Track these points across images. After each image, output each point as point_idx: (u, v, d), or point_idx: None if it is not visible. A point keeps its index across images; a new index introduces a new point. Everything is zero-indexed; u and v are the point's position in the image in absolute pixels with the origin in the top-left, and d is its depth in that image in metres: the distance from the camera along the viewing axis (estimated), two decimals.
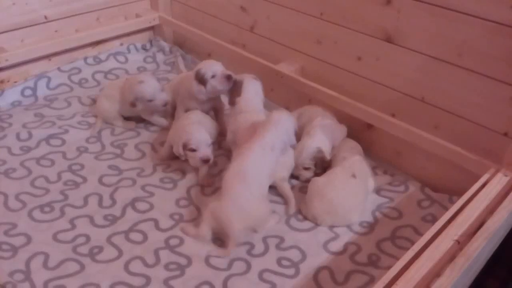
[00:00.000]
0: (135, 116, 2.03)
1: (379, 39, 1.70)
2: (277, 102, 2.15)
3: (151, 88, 1.88)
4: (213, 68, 1.81)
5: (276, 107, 2.12)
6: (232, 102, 1.80)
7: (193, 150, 1.63)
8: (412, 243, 1.43)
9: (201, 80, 1.81)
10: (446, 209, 1.55)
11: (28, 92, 2.21)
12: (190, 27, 2.39)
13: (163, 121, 2.03)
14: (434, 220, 1.54)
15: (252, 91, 1.77)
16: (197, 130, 1.65)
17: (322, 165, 1.71)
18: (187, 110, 1.91)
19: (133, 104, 1.90)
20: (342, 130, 1.85)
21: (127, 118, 2.05)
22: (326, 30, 1.85)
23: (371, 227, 1.57)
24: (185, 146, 1.65)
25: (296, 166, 1.72)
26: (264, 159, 1.51)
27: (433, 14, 1.53)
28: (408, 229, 1.56)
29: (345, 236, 1.53)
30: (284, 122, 1.60)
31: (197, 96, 1.84)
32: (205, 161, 1.65)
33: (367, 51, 1.76)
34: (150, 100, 1.89)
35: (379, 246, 1.50)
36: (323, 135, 1.74)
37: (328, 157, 1.72)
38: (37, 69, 2.27)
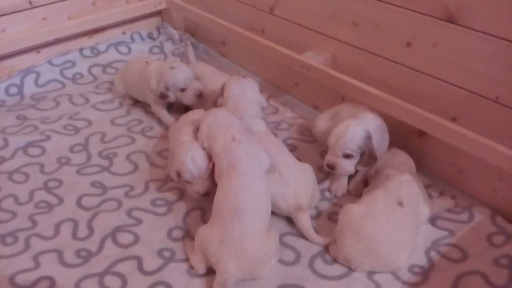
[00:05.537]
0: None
1: (437, 18, 1.45)
2: (303, 100, 1.99)
3: (184, 74, 1.74)
4: (228, 85, 1.63)
5: (301, 105, 1.92)
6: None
7: (188, 182, 1.40)
8: None
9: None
10: None
11: (13, 90, 2.03)
12: (202, 12, 2.19)
13: (170, 119, 1.83)
14: (511, 264, 1.25)
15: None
16: (191, 159, 1.37)
17: (369, 160, 1.43)
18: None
19: (163, 96, 1.74)
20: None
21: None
22: (365, 9, 1.62)
23: (424, 274, 1.27)
24: (179, 175, 1.40)
25: (331, 150, 1.43)
26: (261, 178, 1.29)
27: None
28: (476, 277, 1.25)
29: (390, 287, 1.24)
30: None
31: None
32: (204, 195, 1.39)
33: (420, 34, 1.51)
34: (183, 89, 1.75)
35: None
36: (376, 125, 1.45)
37: (377, 154, 1.43)
38: (24, 63, 2.09)
